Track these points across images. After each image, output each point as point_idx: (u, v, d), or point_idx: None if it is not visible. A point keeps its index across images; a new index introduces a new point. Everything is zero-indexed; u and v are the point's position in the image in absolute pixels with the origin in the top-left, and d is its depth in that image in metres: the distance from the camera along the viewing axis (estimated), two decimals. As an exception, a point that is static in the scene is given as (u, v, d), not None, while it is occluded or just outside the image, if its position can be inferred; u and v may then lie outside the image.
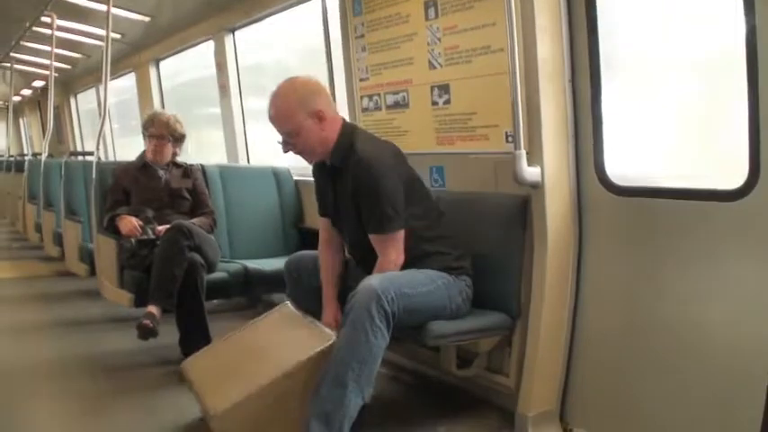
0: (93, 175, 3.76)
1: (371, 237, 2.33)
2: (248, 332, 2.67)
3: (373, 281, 2.13)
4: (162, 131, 3.63)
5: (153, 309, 3.08)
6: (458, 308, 2.38)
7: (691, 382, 2.13)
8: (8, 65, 8.37)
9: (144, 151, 3.71)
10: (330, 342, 2.22)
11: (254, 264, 3.59)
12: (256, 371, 2.29)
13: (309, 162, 2.51)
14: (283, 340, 2.47)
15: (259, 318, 2.69)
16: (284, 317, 2.60)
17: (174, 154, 3.72)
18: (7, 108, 10.64)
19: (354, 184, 2.31)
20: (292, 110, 2.33)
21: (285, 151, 2.43)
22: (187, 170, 3.74)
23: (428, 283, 2.29)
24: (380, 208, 2.28)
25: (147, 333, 3.01)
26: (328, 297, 2.54)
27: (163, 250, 3.16)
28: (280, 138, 2.41)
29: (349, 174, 2.33)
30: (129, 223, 3.39)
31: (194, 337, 3.12)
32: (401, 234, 2.31)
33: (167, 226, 3.33)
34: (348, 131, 2.40)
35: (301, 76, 2.44)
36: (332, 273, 2.55)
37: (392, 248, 2.30)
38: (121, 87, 7.52)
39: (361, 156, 2.30)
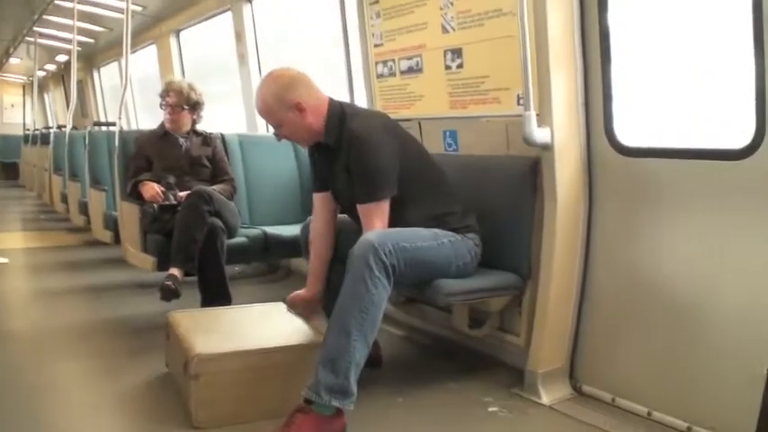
0: (116, 144, 3.85)
1: (358, 207, 2.37)
2: (241, 310, 2.82)
3: (370, 235, 2.18)
4: (177, 100, 3.70)
5: (175, 271, 3.17)
6: (465, 266, 2.42)
7: (700, 339, 2.17)
8: (32, 39, 8.49)
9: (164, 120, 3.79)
10: (314, 340, 2.30)
11: (273, 229, 3.66)
12: (242, 337, 2.40)
13: (302, 146, 2.58)
14: (272, 325, 2.56)
15: (254, 304, 2.84)
16: (279, 310, 2.68)
17: (194, 122, 3.79)
18: (32, 83, 10.79)
19: (348, 159, 2.37)
20: (271, 107, 2.43)
21: (279, 140, 2.55)
22: (207, 138, 3.81)
23: (431, 239, 2.33)
24: (371, 179, 2.35)
25: (169, 294, 3.11)
26: (313, 276, 2.64)
27: (184, 215, 3.25)
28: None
29: (343, 150, 2.40)
30: (152, 189, 3.48)
31: (215, 300, 3.21)
32: (386, 204, 2.35)
33: (188, 192, 3.42)
34: (336, 111, 2.45)
35: (277, 69, 2.51)
36: (320, 262, 2.63)
37: (377, 218, 2.33)
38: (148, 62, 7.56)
39: (354, 132, 2.35)
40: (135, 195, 3.58)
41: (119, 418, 2.35)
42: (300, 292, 2.66)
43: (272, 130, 5.00)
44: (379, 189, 2.35)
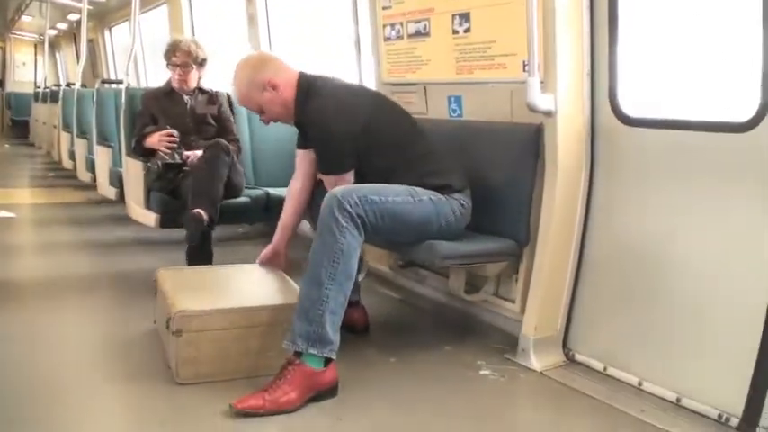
0: (123, 100, 3.85)
1: (323, 177, 2.51)
2: (229, 269, 2.85)
3: (335, 190, 2.22)
4: (185, 59, 3.65)
5: (200, 211, 3.12)
6: (449, 225, 2.42)
7: (693, 312, 2.17)
8: (44, -4, 8.48)
9: (170, 78, 3.77)
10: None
11: (276, 191, 3.66)
12: (226, 296, 2.43)
13: (288, 124, 2.60)
14: (258, 284, 2.58)
15: (243, 264, 2.86)
16: (266, 270, 2.69)
17: (199, 79, 3.76)
18: (43, 41, 10.78)
19: (310, 136, 2.50)
20: (247, 92, 2.52)
21: (266, 123, 2.61)
22: (212, 96, 3.77)
23: (406, 194, 2.35)
24: (328, 153, 2.44)
25: (198, 224, 3.09)
26: (281, 228, 2.71)
27: (208, 164, 3.25)
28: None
29: (307, 127, 2.50)
30: (156, 136, 3.47)
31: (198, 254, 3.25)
32: (337, 178, 2.42)
33: (194, 152, 3.43)
34: (304, 87, 2.49)
35: (245, 57, 2.61)
36: (290, 216, 2.70)
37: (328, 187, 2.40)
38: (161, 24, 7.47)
39: (310, 109, 2.43)
40: (140, 151, 3.57)
41: (105, 370, 2.38)
42: (274, 248, 2.70)
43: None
44: (333, 164, 2.44)
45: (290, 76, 2.51)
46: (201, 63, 3.72)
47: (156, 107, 3.69)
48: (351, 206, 2.16)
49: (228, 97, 3.95)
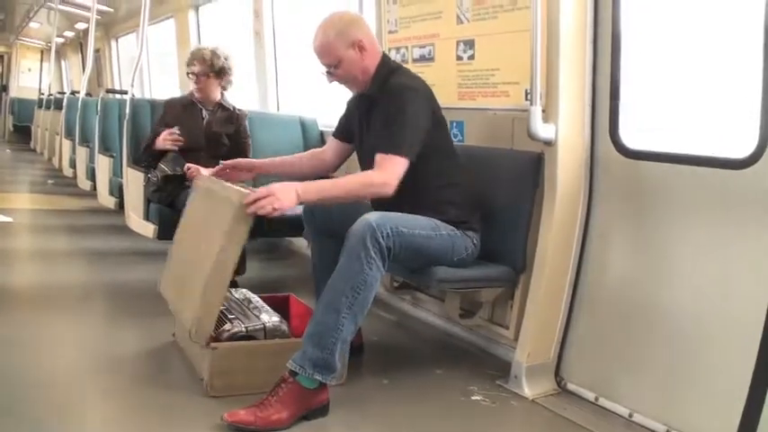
0: (127, 110, 3.86)
1: (377, 155, 2.31)
2: (184, 224, 2.75)
3: (371, 216, 2.18)
4: (201, 68, 3.56)
5: None
6: (460, 261, 2.42)
7: (686, 346, 2.17)
8: (53, 4, 8.53)
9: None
10: (237, 206, 2.20)
11: (275, 207, 3.66)
12: (199, 270, 2.32)
13: (352, 91, 2.58)
14: (207, 222, 2.50)
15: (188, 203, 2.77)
16: (203, 192, 2.63)
17: (223, 89, 3.67)
18: (50, 48, 10.83)
19: (384, 110, 2.37)
20: (332, 43, 2.40)
21: (329, 81, 2.50)
22: (233, 115, 3.67)
23: (430, 228, 2.33)
24: (398, 129, 2.32)
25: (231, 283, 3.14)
26: (280, 160, 2.78)
27: None
28: (323, 69, 2.48)
29: (383, 103, 2.39)
30: (163, 134, 3.45)
31: None
32: (403, 163, 2.30)
33: (196, 166, 3.40)
34: (388, 64, 2.49)
35: (342, 10, 2.54)
36: (292, 160, 2.78)
37: (389, 171, 2.28)
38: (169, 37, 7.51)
39: (395, 83, 2.39)
40: (145, 157, 3.56)
41: (98, 378, 2.38)
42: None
43: (282, 109, 5.06)
44: (404, 142, 2.31)
45: (378, 50, 2.49)
46: (219, 72, 3.59)
47: (174, 116, 3.62)
48: (383, 237, 2.12)
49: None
